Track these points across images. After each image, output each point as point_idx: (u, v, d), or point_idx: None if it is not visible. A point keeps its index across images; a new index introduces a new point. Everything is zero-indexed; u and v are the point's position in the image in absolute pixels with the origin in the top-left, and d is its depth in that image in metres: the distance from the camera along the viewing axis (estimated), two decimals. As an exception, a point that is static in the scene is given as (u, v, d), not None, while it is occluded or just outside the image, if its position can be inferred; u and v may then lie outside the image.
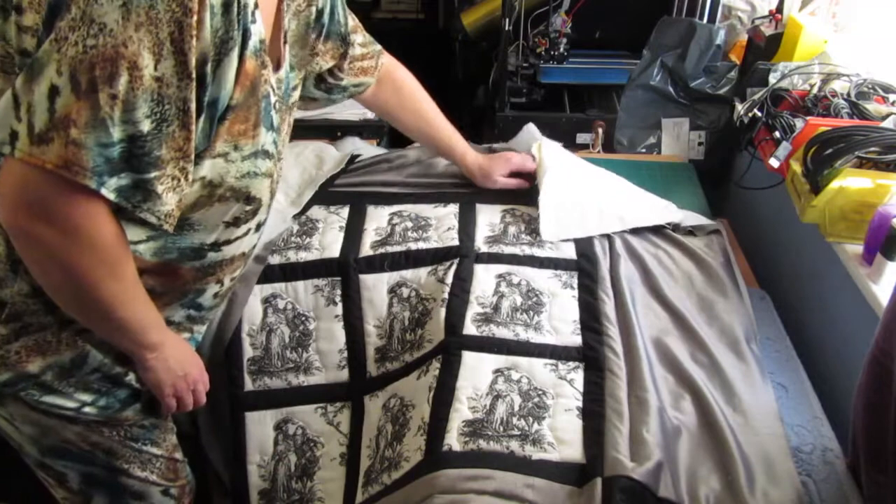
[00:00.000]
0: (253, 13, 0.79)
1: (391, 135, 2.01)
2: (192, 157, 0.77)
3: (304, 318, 1.29)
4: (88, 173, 0.69)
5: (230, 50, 0.75)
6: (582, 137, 2.05)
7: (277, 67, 0.93)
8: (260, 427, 1.24)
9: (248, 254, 1.03)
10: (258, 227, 1.00)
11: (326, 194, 1.50)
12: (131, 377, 0.98)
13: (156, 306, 0.92)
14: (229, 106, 0.79)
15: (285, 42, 0.95)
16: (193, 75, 0.71)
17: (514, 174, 1.46)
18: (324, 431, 1.25)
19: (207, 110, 0.76)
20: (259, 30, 0.81)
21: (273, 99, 0.88)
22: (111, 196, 0.71)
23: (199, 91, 0.74)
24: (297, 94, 1.05)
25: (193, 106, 0.73)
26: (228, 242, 0.94)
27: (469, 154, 1.43)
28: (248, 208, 0.91)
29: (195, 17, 0.69)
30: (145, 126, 0.70)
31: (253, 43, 0.79)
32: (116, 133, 0.69)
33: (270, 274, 1.30)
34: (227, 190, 0.86)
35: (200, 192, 0.84)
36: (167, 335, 0.96)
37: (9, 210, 0.74)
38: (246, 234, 0.97)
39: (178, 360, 0.98)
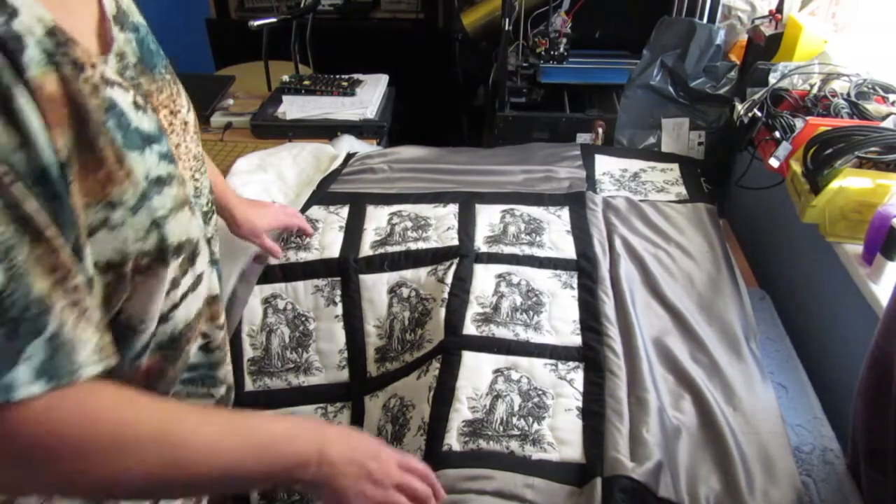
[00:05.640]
0: None
1: (391, 135, 2.01)
2: (74, 262, 0.53)
3: (304, 319, 1.29)
4: None
5: (7, 87, 0.47)
6: (582, 137, 2.04)
7: (108, 43, 0.60)
8: (260, 427, 1.24)
9: (218, 297, 0.77)
10: (212, 262, 0.75)
11: (326, 194, 1.50)
12: None
13: None
14: (62, 164, 0.51)
15: None
16: None
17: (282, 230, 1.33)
18: (324, 431, 1.25)
19: (40, 192, 0.50)
20: (35, 15, 0.49)
21: (126, 98, 0.58)
22: (37, 389, 0.49)
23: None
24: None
25: (32, 204, 0.48)
26: (176, 306, 0.67)
27: (238, 206, 1.20)
28: (180, 260, 0.64)
29: None
30: None
31: (34, 47, 0.49)
32: None
33: (270, 274, 1.30)
34: (139, 259, 0.59)
35: (105, 286, 0.58)
36: (297, 427, 0.66)
37: None
38: (197, 283, 0.70)
39: (347, 456, 0.67)
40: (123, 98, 0.57)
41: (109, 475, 0.55)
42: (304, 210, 1.44)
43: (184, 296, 0.67)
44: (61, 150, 0.51)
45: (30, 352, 0.49)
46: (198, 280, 0.69)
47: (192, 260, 0.66)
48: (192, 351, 0.74)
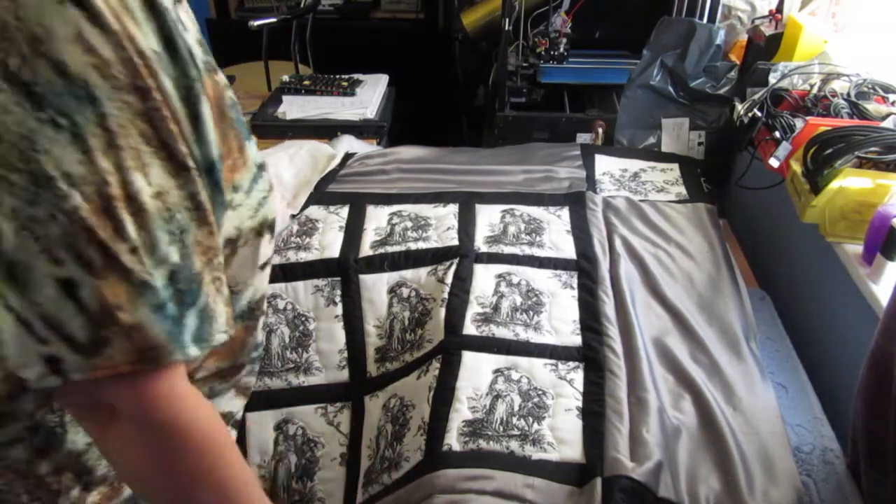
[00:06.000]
0: (180, 19, 0.56)
1: (391, 135, 2.01)
2: (220, 245, 0.61)
3: (304, 319, 1.29)
4: (168, 348, 0.54)
5: (198, 94, 0.56)
6: (582, 137, 2.04)
7: None
8: (260, 427, 1.24)
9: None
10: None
11: (325, 194, 1.50)
12: None
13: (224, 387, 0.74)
14: (220, 156, 0.61)
15: None
16: (189, 163, 0.55)
17: None
18: (324, 432, 1.25)
19: (207, 182, 0.59)
20: (193, 33, 0.59)
21: (232, 96, 0.67)
22: (193, 352, 0.56)
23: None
24: None
25: (204, 194, 0.57)
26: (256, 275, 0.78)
27: None
28: (270, 234, 0.75)
29: (158, 96, 0.52)
30: (174, 255, 0.55)
31: (199, 57, 0.58)
32: (159, 283, 0.54)
33: (270, 274, 1.30)
34: (248, 234, 0.70)
35: (224, 257, 0.66)
36: None
37: (99, 440, 0.60)
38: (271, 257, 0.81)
39: None
40: (233, 96, 0.66)
41: (169, 494, 0.59)
42: (302, 210, 1.44)
43: (264, 265, 0.77)
44: (219, 144, 0.59)
45: (186, 321, 0.56)
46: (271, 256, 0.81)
47: (272, 231, 0.77)
48: (260, 330, 0.82)
